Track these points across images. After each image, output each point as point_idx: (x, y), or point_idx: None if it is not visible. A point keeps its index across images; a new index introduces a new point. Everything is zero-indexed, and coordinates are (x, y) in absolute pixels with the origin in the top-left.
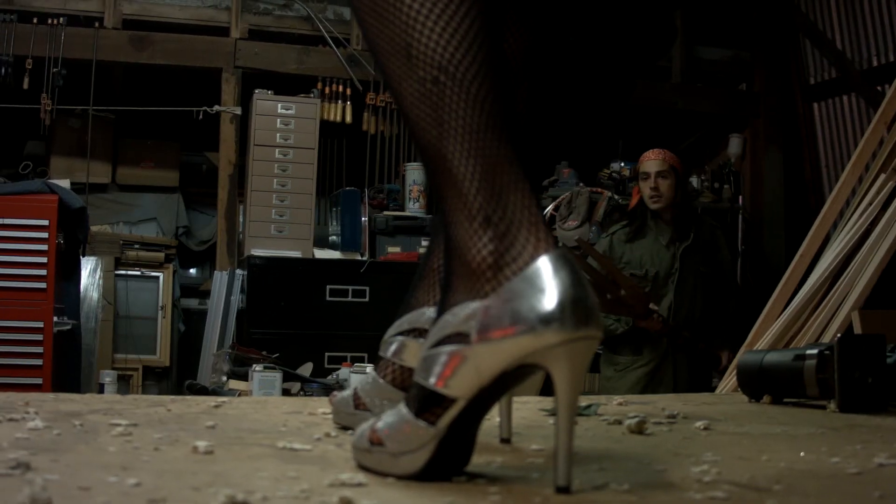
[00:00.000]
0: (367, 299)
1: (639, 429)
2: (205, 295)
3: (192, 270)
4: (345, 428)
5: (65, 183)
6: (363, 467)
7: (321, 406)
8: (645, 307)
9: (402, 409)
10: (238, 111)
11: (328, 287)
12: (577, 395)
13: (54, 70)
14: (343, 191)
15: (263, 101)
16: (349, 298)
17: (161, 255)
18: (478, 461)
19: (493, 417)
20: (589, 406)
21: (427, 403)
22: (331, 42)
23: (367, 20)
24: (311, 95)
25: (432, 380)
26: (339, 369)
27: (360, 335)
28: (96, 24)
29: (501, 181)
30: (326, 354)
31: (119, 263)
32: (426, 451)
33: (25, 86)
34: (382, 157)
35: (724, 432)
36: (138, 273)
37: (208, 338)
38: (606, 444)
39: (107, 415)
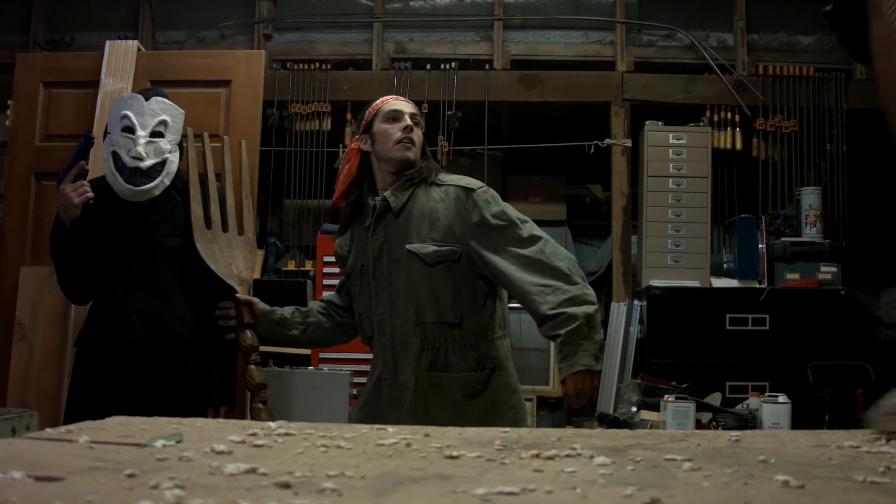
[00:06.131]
0: (767, 327)
1: None
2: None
3: None
4: None
5: None
6: None
7: (846, 440)
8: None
9: None
10: (629, 143)
11: (727, 316)
12: None
13: (449, 113)
14: (738, 218)
15: (654, 132)
16: (749, 327)
17: None
18: None
19: None
20: None
21: None
22: (716, 69)
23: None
24: (701, 124)
25: None
26: (746, 399)
27: (761, 364)
28: (486, 67)
29: None
30: (727, 384)
31: None
32: None
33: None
34: (775, 182)
35: None
36: None
37: (607, 369)
38: None
39: (648, 450)
